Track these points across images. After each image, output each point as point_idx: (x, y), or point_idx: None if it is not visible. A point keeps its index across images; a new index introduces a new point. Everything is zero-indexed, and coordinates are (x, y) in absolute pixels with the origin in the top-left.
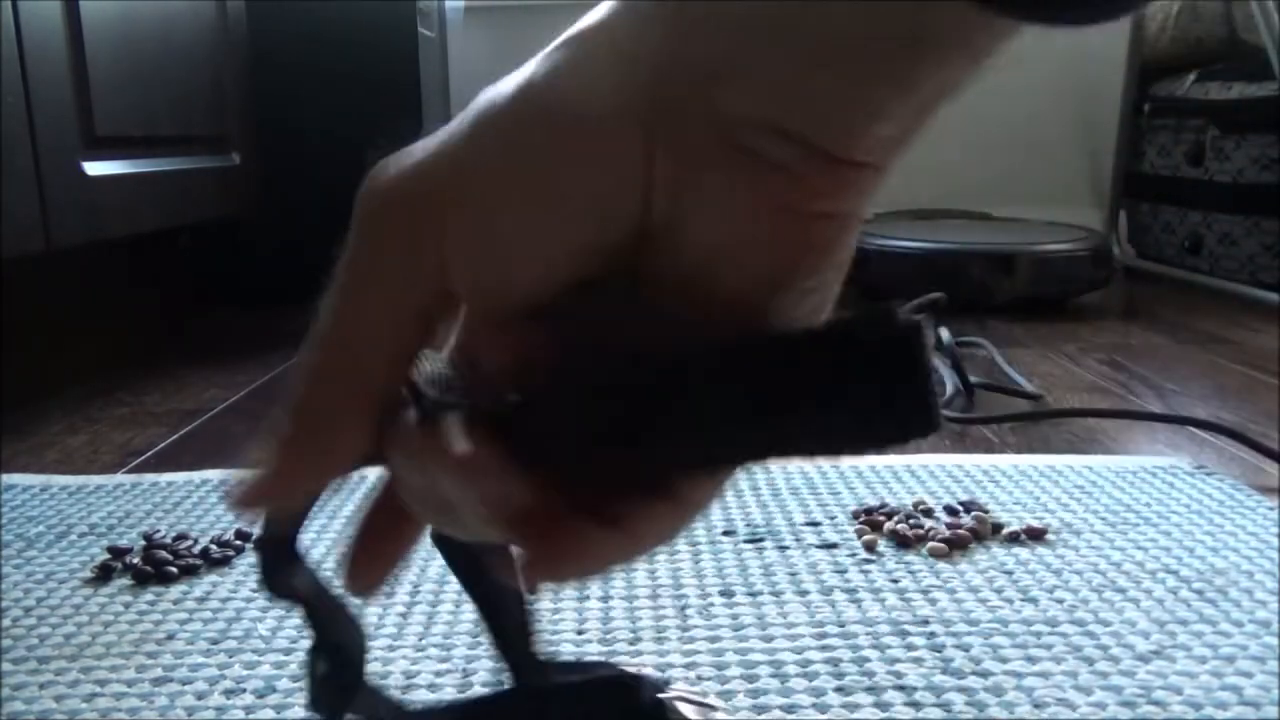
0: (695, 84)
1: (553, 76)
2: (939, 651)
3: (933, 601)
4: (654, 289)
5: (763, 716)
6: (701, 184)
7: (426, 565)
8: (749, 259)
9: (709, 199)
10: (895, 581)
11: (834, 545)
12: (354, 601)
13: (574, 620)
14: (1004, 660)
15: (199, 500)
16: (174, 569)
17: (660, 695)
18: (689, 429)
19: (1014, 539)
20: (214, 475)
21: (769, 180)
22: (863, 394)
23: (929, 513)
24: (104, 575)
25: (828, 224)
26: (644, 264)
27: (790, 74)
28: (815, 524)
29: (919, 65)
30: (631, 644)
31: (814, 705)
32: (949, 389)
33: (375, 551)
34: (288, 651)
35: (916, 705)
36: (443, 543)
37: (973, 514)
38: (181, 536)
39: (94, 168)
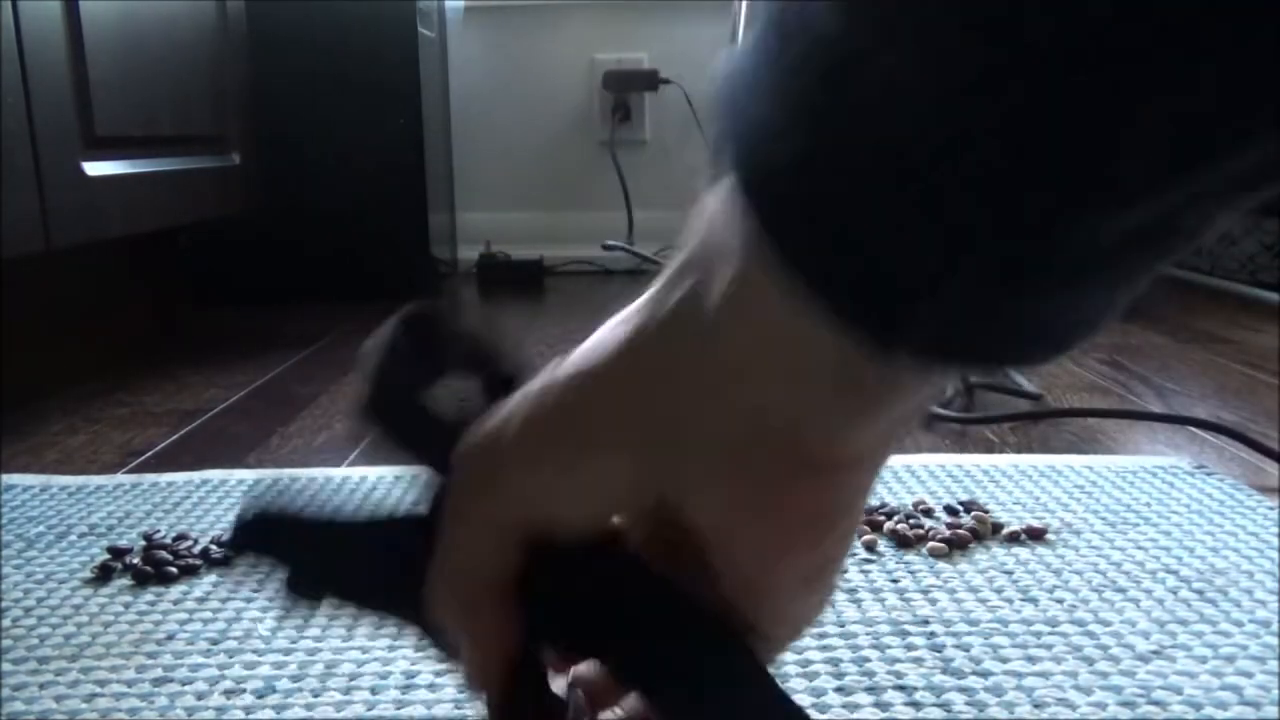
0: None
1: (583, 393)
2: (939, 651)
3: (933, 601)
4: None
5: None
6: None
7: None
8: (737, 558)
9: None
10: (895, 581)
11: None
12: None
13: None
14: (1004, 660)
15: (199, 500)
16: (174, 569)
17: None
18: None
19: (1014, 539)
20: (214, 475)
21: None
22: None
23: (929, 513)
24: (104, 575)
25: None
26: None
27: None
28: None
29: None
30: None
31: (814, 705)
32: (949, 389)
33: None
34: (288, 651)
35: (916, 705)
36: None
37: (973, 514)
38: (181, 536)
39: (94, 168)
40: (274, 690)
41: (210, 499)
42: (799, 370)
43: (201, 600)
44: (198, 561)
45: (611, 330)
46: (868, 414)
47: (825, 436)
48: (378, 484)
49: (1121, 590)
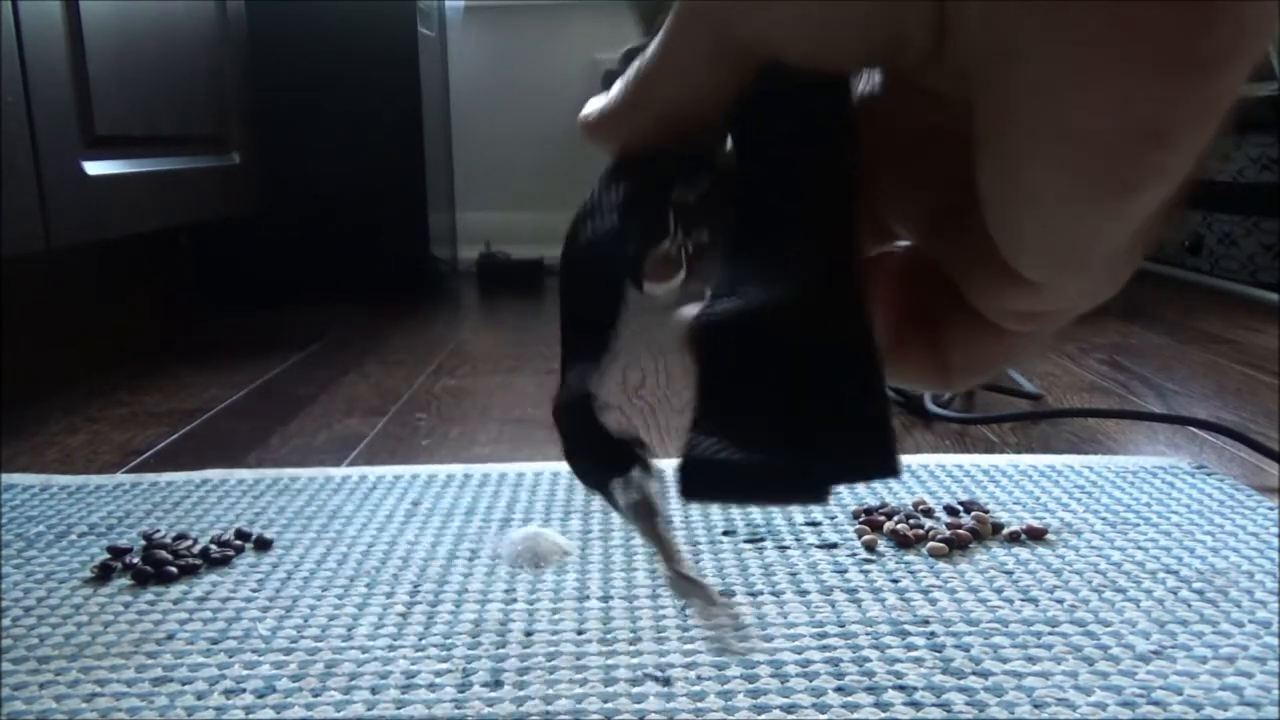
0: None
1: None
2: (939, 651)
3: (933, 601)
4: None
5: (763, 716)
6: None
7: (426, 565)
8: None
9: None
10: (895, 581)
11: (834, 545)
12: None
13: (574, 620)
14: (1004, 660)
15: (199, 500)
16: (174, 569)
17: None
18: None
19: (1014, 539)
20: (214, 475)
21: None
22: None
23: (929, 513)
24: (104, 575)
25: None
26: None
27: None
28: (815, 524)
29: None
30: (631, 644)
31: (814, 705)
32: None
33: None
34: (288, 651)
35: (916, 705)
36: None
37: (973, 514)
38: (181, 536)
39: (94, 168)
40: (274, 690)
41: (210, 499)
42: None
43: (201, 600)
44: (198, 561)
45: None
46: None
47: None
48: (377, 483)
49: (1121, 590)
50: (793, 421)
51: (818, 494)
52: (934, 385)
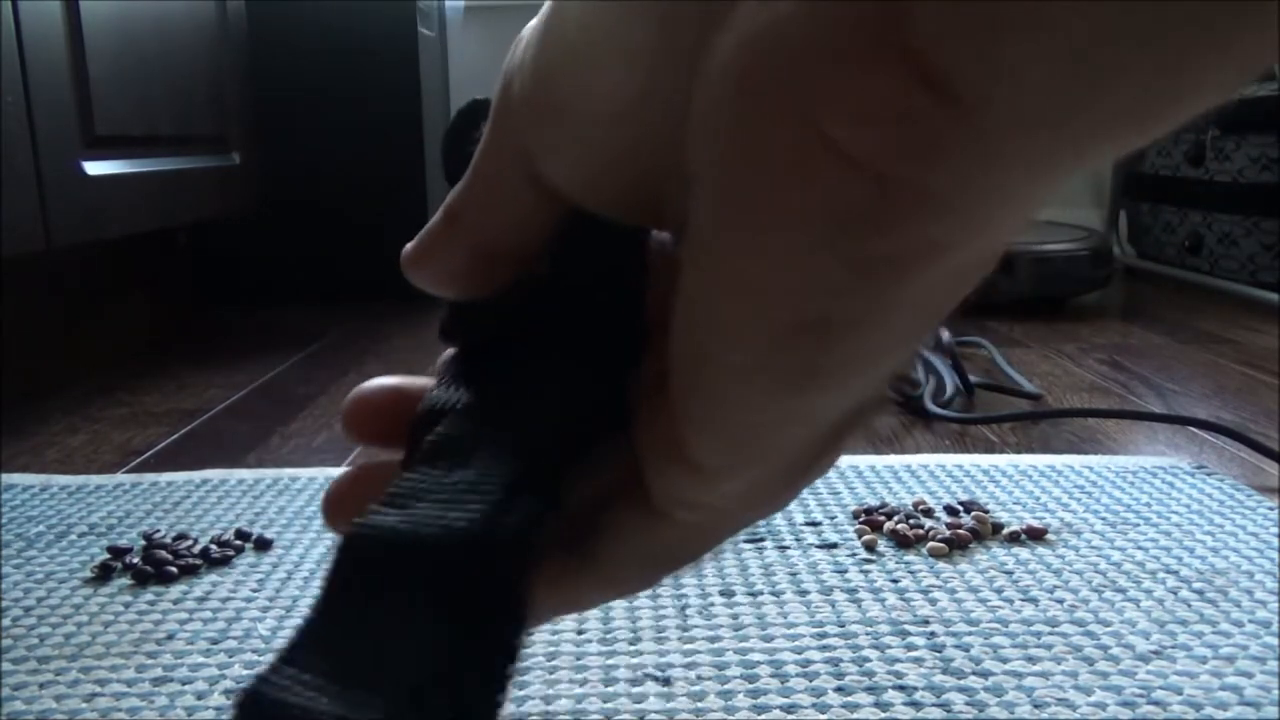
0: None
1: None
2: (939, 651)
3: (933, 601)
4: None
5: (763, 716)
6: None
7: None
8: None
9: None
10: (895, 581)
11: (834, 545)
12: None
13: (574, 620)
14: (1004, 660)
15: (199, 500)
16: (174, 569)
17: None
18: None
19: (1014, 539)
20: (214, 475)
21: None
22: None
23: (929, 513)
24: (104, 575)
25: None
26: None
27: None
28: (815, 524)
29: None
30: (631, 644)
31: (814, 705)
32: (949, 389)
33: None
34: None
35: (916, 705)
36: None
37: (973, 514)
38: (181, 536)
39: (94, 168)
40: None
41: (210, 499)
42: None
43: (201, 600)
44: (198, 561)
45: None
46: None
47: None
48: None
49: (1121, 590)
50: (397, 679)
51: None
52: (578, 583)
